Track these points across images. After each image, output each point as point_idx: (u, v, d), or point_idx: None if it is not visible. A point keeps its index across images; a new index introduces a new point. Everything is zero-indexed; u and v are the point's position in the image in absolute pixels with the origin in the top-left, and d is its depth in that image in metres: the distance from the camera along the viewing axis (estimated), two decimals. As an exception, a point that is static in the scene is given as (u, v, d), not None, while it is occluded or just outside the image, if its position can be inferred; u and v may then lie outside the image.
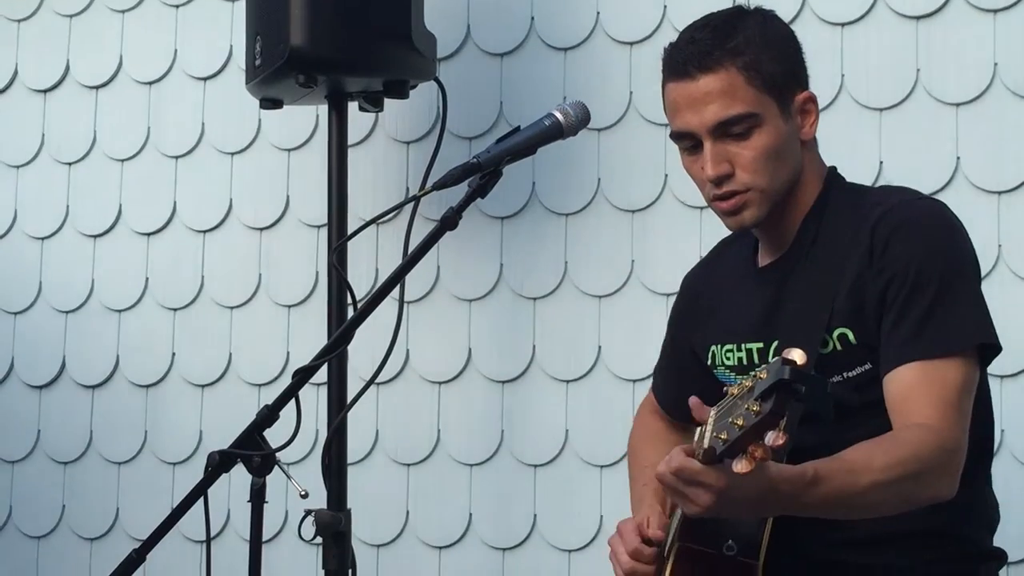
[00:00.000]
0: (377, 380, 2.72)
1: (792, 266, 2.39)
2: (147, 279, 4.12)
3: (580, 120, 2.50)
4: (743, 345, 2.41)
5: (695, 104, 2.33)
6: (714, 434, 1.96)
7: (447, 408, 3.78)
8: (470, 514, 3.73)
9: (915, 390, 2.20)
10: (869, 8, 3.44)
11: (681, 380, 2.55)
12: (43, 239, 4.24)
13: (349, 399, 3.37)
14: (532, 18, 3.77)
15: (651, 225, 3.62)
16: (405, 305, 2.79)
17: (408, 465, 3.81)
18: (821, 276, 2.33)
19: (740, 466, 1.91)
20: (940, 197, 3.26)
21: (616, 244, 3.65)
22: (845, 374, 2.30)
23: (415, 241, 2.50)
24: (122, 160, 4.17)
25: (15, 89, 4.30)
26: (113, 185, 4.17)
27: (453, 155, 3.60)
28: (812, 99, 2.41)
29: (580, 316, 3.66)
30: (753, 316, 2.41)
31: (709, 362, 2.49)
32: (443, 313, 3.80)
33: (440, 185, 2.42)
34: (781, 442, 1.89)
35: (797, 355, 1.89)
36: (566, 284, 3.69)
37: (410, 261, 2.46)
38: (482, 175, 2.43)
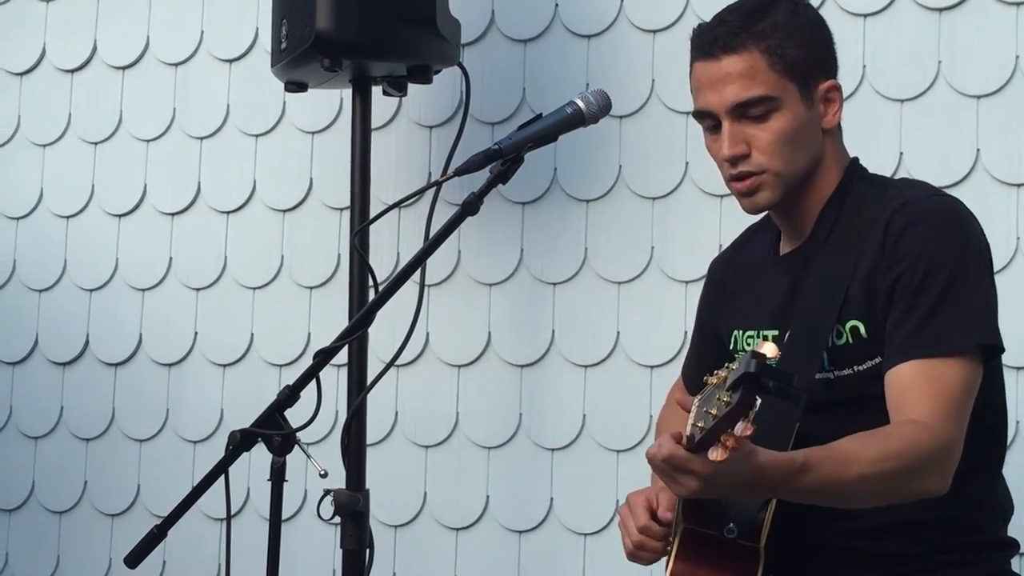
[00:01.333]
0: (397, 362, 2.75)
1: (809, 256, 2.40)
2: (171, 259, 4.14)
3: (601, 109, 2.51)
4: (761, 332, 2.43)
5: (716, 84, 2.36)
6: (694, 423, 2.01)
7: (466, 391, 3.80)
8: (487, 496, 3.75)
9: (913, 388, 2.22)
10: (891, -1, 3.46)
11: (705, 364, 2.56)
12: (68, 218, 4.27)
13: (369, 381, 3.39)
14: (556, 5, 3.78)
15: (671, 212, 3.63)
16: (426, 288, 2.80)
17: (426, 447, 3.83)
18: (835, 267, 2.34)
19: (715, 454, 1.96)
20: (959, 189, 3.31)
21: (636, 231, 3.66)
22: (856, 367, 2.32)
23: (437, 225, 2.52)
24: (147, 141, 4.20)
25: (42, 69, 4.33)
26: (138, 165, 4.20)
27: (476, 140, 3.61)
28: (837, 88, 2.42)
29: (599, 302, 3.68)
30: (771, 304, 2.43)
31: (731, 347, 2.51)
32: (463, 297, 3.82)
33: (462, 171, 2.44)
34: (749, 432, 1.93)
35: (768, 348, 1.94)
36: (586, 270, 3.71)
37: (431, 245, 2.48)
38: (503, 161, 2.44)
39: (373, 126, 3.64)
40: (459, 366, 3.82)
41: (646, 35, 3.69)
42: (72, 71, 4.30)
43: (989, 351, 2.29)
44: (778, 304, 2.42)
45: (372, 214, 3.51)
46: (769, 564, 2.26)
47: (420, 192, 2.70)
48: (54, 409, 4.23)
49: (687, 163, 3.60)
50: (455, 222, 2.45)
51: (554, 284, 3.75)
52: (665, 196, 3.65)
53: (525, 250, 3.77)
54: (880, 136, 3.41)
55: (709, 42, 2.37)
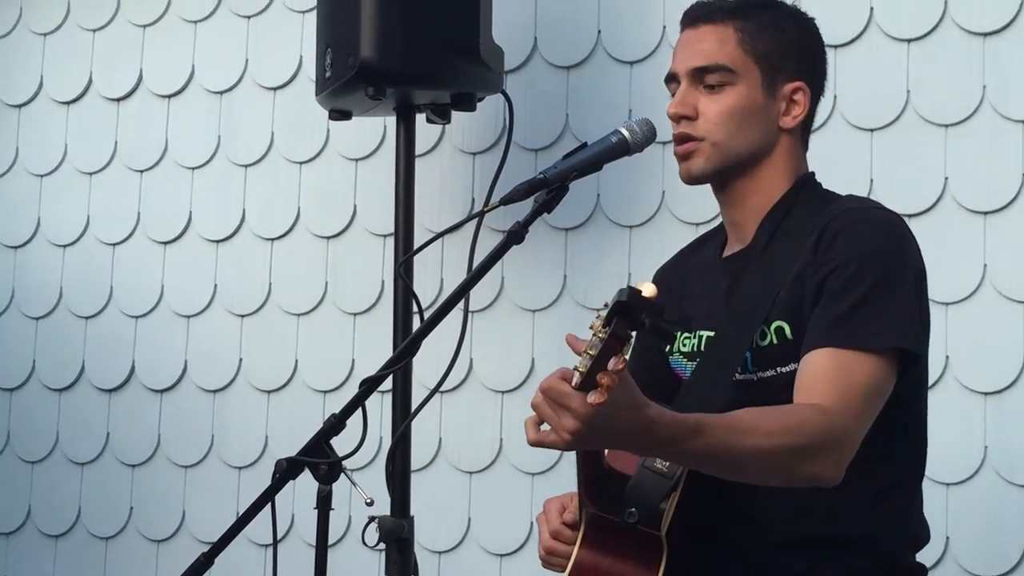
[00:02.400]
0: (441, 389, 2.75)
1: (750, 259, 2.42)
2: (216, 285, 4.17)
3: (646, 138, 2.51)
4: (697, 332, 2.44)
5: (686, 48, 2.43)
6: (576, 367, 1.97)
7: (510, 417, 3.80)
8: (531, 523, 3.75)
9: (821, 374, 2.21)
10: (936, 24, 3.44)
11: (640, 366, 2.49)
12: (114, 245, 4.30)
13: (413, 407, 3.40)
14: (599, 31, 3.79)
15: (715, 238, 3.63)
16: (469, 315, 2.81)
17: (471, 473, 3.83)
18: (770, 270, 2.35)
19: (593, 397, 1.92)
20: (1005, 214, 3.29)
21: (680, 257, 3.65)
22: (779, 369, 2.31)
23: (480, 253, 2.53)
24: (193, 168, 4.23)
25: (89, 97, 4.37)
26: (183, 193, 4.23)
27: (519, 167, 3.63)
28: (804, 91, 2.42)
29: (643, 328, 3.67)
30: (709, 305, 2.44)
31: (667, 348, 2.50)
32: (507, 323, 3.82)
33: (507, 200, 2.43)
34: (621, 366, 1.90)
35: (645, 287, 1.92)
36: (629, 296, 3.70)
37: (475, 275, 2.47)
38: (548, 190, 2.44)
39: (417, 153, 3.65)
40: (503, 392, 3.82)
41: (689, 61, 3.69)
42: (118, 100, 4.34)
43: (906, 357, 2.27)
44: (715, 305, 2.43)
45: (416, 241, 3.53)
46: (675, 558, 2.23)
47: (463, 223, 2.70)
48: (100, 435, 4.25)
49: (730, 189, 3.59)
50: (500, 252, 2.45)
51: (597, 310, 3.73)
52: (708, 222, 3.64)
53: (568, 276, 3.78)
54: (925, 161, 3.39)
55: (695, 14, 2.45)
